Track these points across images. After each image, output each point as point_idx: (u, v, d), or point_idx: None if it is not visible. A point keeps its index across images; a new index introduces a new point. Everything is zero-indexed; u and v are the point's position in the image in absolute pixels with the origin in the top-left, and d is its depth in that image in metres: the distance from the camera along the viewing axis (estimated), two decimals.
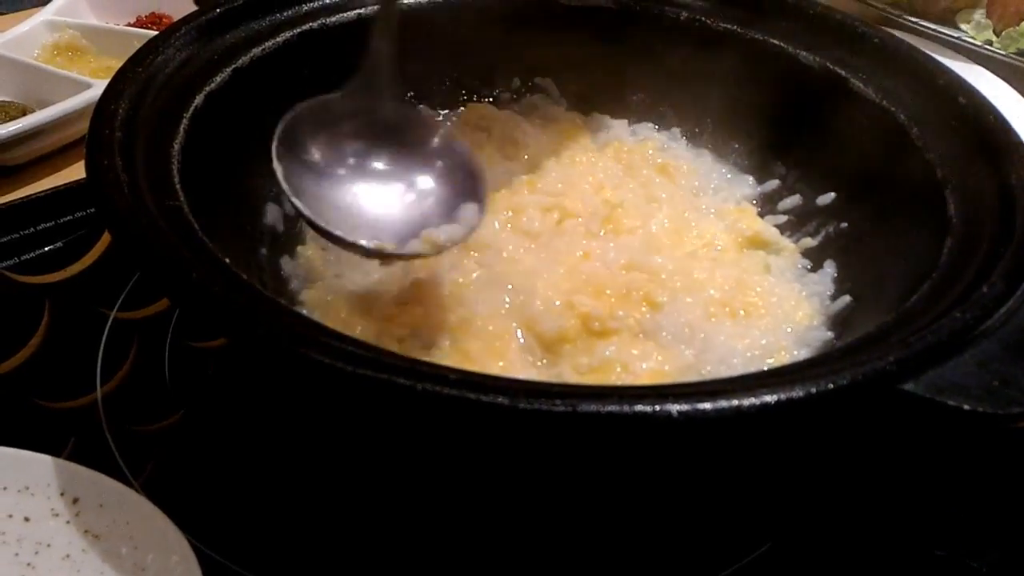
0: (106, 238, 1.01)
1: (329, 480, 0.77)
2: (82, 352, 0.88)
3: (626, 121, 1.06)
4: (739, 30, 1.00)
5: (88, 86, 1.19)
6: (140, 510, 0.65)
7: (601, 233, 0.87)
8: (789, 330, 0.81)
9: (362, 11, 0.97)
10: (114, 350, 0.89)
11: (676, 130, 1.05)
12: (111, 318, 0.92)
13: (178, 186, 0.69)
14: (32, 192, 1.08)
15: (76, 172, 1.17)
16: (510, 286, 0.79)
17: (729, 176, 1.00)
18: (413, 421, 0.56)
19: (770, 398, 0.51)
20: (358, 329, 0.76)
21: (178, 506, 0.67)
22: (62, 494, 0.67)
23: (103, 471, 0.69)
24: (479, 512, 0.75)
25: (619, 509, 0.76)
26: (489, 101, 1.07)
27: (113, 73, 0.77)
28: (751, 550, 0.73)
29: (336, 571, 0.71)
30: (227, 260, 0.62)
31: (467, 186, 0.78)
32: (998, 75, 1.45)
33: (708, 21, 1.01)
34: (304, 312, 0.79)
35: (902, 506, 0.78)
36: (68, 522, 0.65)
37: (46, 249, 1.01)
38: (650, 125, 1.06)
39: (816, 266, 0.88)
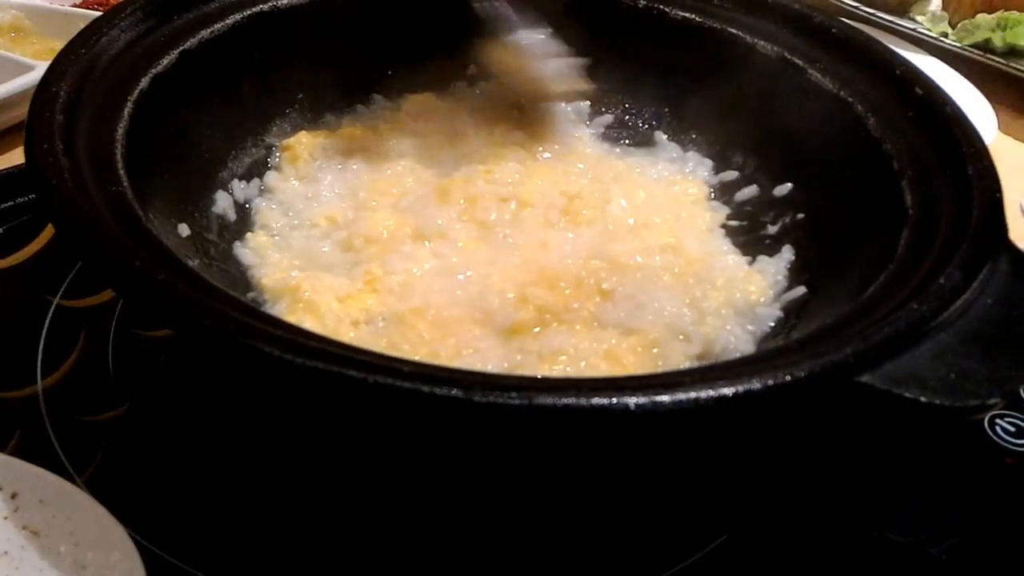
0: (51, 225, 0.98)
1: (280, 474, 0.76)
2: (28, 340, 0.86)
3: (571, 108, 1.05)
4: (697, 19, 0.99)
5: (31, 68, 1.16)
6: (82, 506, 0.63)
7: (560, 223, 0.87)
8: (742, 308, 0.81)
9: None
10: (57, 339, 0.86)
11: (633, 118, 1.05)
12: (54, 306, 0.89)
13: (122, 172, 0.67)
14: None
15: (17, 157, 1.14)
16: (461, 276, 0.79)
17: (687, 164, 0.99)
18: (366, 414, 0.54)
19: (728, 390, 0.51)
20: (308, 318, 0.75)
21: (122, 501, 0.66)
22: (0, 489, 0.65)
23: (44, 464, 0.67)
24: (434, 504, 0.74)
25: (575, 501, 0.75)
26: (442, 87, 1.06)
27: None
28: (707, 542, 0.73)
29: (288, 569, 0.70)
30: (172, 248, 0.61)
31: None
32: (953, 67, 1.46)
33: (666, 9, 1.01)
34: (254, 300, 0.77)
35: (860, 494, 0.78)
36: (6, 518, 0.63)
37: None
38: (608, 115, 1.05)
39: (774, 252, 0.88)
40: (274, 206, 0.89)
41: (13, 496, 0.64)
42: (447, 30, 1.02)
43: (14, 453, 0.70)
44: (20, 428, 0.77)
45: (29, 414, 0.79)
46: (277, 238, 0.85)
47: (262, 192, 0.90)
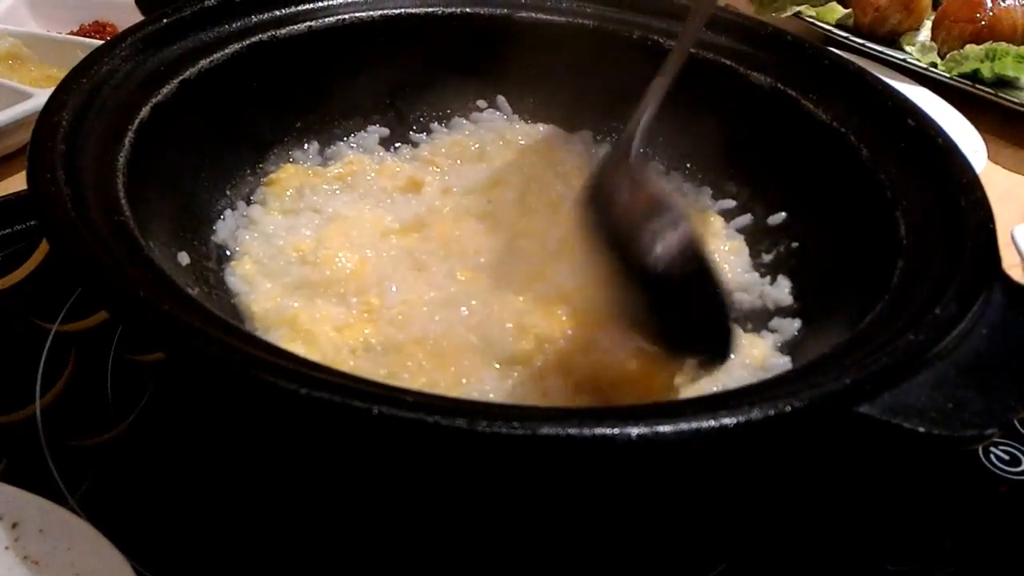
0: (41, 250, 0.98)
1: (281, 502, 0.75)
2: (17, 365, 0.86)
3: (578, 137, 1.06)
4: (692, 50, 1.00)
5: (29, 96, 1.16)
6: (82, 536, 0.63)
7: (557, 252, 0.87)
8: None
9: (312, 24, 0.96)
10: (55, 363, 0.86)
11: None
12: (53, 331, 0.89)
13: (123, 201, 0.67)
14: None
15: (15, 184, 1.14)
16: (464, 308, 0.79)
17: (684, 194, 1.00)
18: (369, 444, 0.55)
19: (729, 420, 0.51)
20: (307, 347, 0.75)
21: (119, 528, 0.66)
22: (0, 519, 0.65)
23: (37, 488, 0.67)
24: (436, 533, 0.74)
25: (576, 530, 0.75)
26: (440, 117, 1.07)
27: (55, 83, 0.75)
28: (706, 571, 0.73)
29: None
30: (173, 276, 0.61)
31: None
32: (942, 97, 1.48)
33: (659, 40, 1.02)
34: (250, 328, 0.77)
35: (857, 522, 0.79)
36: (7, 548, 0.63)
37: None
38: (608, 143, 1.06)
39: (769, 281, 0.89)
40: (256, 235, 0.89)
41: (14, 526, 0.64)
42: (450, 63, 1.04)
43: (3, 479, 0.70)
44: (11, 452, 0.77)
45: (22, 438, 0.78)
46: (263, 266, 0.85)
47: (249, 224, 0.90)
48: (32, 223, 1.00)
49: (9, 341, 0.89)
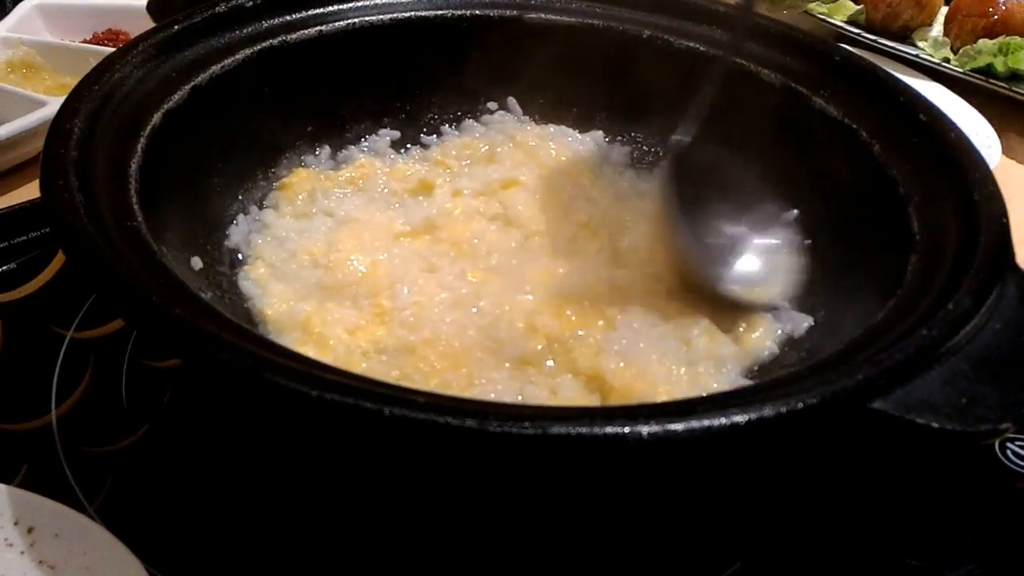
0: (60, 258, 0.99)
1: (294, 506, 0.76)
2: (37, 373, 0.86)
3: (589, 137, 1.06)
4: (701, 48, 1.00)
5: (43, 104, 1.17)
6: (98, 540, 0.63)
7: (569, 251, 0.87)
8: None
9: (323, 28, 0.96)
10: (70, 370, 0.87)
11: (641, 146, 1.05)
12: (68, 338, 0.90)
13: (136, 207, 0.68)
14: None
15: (30, 192, 1.15)
16: (474, 309, 0.79)
17: None
18: (381, 445, 0.55)
19: (740, 418, 0.51)
20: (319, 350, 0.75)
21: (136, 533, 0.66)
22: (16, 523, 0.65)
23: (56, 495, 0.67)
24: (448, 534, 0.74)
25: (589, 530, 0.75)
26: (450, 119, 1.07)
27: (69, 91, 0.75)
28: (721, 570, 0.73)
29: None
30: (185, 281, 0.61)
31: None
32: (955, 92, 1.47)
33: (669, 39, 1.02)
34: (263, 332, 0.78)
35: (874, 520, 0.78)
36: (23, 552, 0.63)
37: (1, 269, 0.98)
38: (618, 143, 1.06)
39: None
40: (268, 239, 0.89)
41: (30, 530, 0.64)
42: (460, 65, 1.04)
43: (22, 486, 0.70)
44: (29, 460, 0.77)
45: (38, 446, 0.79)
46: (275, 270, 0.86)
47: (262, 228, 0.90)
48: (47, 230, 1.01)
49: (28, 349, 0.90)
